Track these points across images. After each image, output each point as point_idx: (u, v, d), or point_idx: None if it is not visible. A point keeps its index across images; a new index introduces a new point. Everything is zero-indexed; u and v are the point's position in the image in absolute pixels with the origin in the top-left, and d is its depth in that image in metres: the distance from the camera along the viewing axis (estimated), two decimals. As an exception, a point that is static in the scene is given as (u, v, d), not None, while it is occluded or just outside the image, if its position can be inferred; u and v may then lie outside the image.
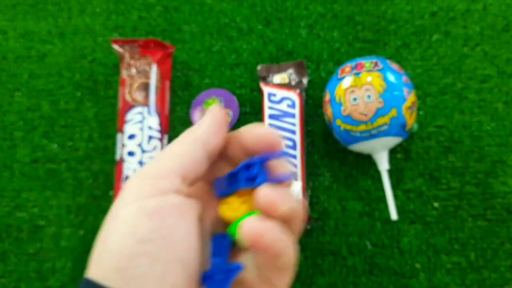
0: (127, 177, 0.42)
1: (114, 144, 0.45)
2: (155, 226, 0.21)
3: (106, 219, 0.22)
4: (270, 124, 0.43)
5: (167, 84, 0.46)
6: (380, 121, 0.38)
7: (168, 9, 0.49)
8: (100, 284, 0.20)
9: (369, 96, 0.37)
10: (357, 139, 0.39)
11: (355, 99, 0.38)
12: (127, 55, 0.45)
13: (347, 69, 0.40)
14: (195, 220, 0.23)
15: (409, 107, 0.39)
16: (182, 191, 0.23)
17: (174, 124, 0.45)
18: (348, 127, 0.39)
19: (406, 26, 0.47)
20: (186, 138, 0.25)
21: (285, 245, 0.22)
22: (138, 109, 0.43)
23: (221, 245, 0.24)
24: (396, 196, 0.42)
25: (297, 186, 0.41)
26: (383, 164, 0.41)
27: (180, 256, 0.21)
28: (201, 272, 0.23)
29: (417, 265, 0.41)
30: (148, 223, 0.21)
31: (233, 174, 0.25)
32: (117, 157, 0.43)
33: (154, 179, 0.23)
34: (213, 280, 0.23)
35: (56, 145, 0.45)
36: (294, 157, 0.42)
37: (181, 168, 0.23)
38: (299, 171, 0.42)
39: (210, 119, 0.25)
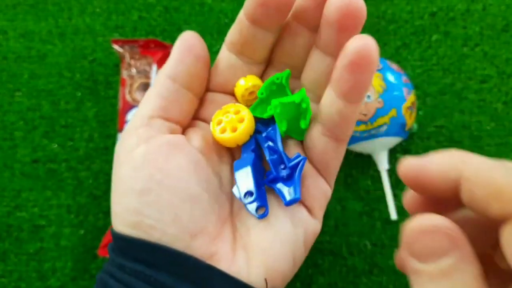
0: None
1: (114, 144, 0.45)
2: (149, 173, 0.21)
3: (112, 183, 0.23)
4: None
5: (167, 84, 0.46)
6: (380, 121, 0.38)
7: (168, 9, 0.49)
8: (127, 236, 0.21)
9: (368, 96, 0.37)
10: (356, 139, 0.39)
11: (355, 99, 0.38)
12: (127, 55, 0.45)
13: (347, 69, 0.40)
14: (191, 152, 0.22)
15: (409, 107, 0.39)
16: (174, 130, 0.23)
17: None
18: (348, 127, 0.39)
19: (406, 26, 0.47)
20: (156, 79, 0.23)
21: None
22: (138, 109, 0.43)
23: (273, 142, 0.23)
24: (396, 196, 0.42)
25: None
26: (383, 164, 0.41)
27: (186, 194, 0.21)
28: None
29: (417, 265, 0.41)
30: (142, 173, 0.21)
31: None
32: (117, 157, 0.43)
33: (136, 130, 0.22)
34: (279, 181, 0.22)
35: (56, 145, 0.45)
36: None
37: (155, 109, 0.22)
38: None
39: (177, 49, 0.23)
